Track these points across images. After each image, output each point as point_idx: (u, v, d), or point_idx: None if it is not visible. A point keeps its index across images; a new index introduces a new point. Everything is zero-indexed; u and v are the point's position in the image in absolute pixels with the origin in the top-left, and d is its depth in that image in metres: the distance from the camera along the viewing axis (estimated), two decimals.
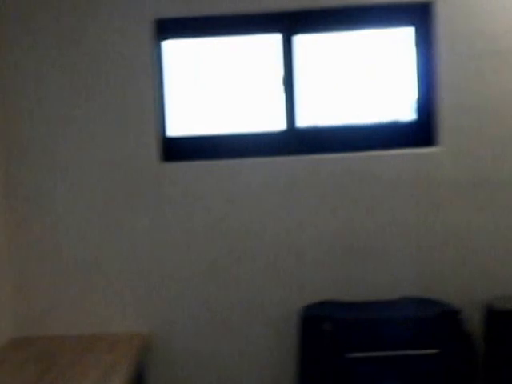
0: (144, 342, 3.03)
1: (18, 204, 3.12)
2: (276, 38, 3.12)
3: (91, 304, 3.14)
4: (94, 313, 3.14)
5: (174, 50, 3.16)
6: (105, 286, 3.13)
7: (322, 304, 2.97)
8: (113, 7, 3.04)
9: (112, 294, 3.13)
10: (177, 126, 3.18)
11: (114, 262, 3.12)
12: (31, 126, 3.09)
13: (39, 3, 3.05)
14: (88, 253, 3.12)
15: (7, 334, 3.10)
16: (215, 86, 3.18)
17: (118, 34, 3.04)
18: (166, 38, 3.13)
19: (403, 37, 3.14)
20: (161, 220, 3.11)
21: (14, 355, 2.90)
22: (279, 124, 3.14)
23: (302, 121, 3.14)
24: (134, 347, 2.92)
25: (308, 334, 2.83)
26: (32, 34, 3.06)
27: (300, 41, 3.12)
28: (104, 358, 2.80)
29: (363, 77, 3.16)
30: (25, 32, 3.06)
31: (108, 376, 2.58)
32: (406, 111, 3.16)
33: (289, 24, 3.10)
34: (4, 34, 3.06)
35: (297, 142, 3.13)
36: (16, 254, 3.14)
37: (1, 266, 3.07)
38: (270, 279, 3.11)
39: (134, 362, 2.76)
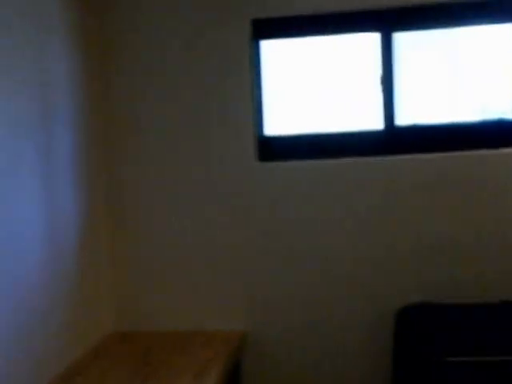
0: (240, 341, 3.05)
1: (120, 205, 3.21)
2: (374, 37, 3.07)
3: (189, 301, 3.18)
4: (191, 310, 3.18)
5: (272, 49, 3.17)
6: (203, 284, 3.17)
7: (421, 306, 2.89)
8: (211, 8, 3.07)
9: (209, 292, 3.17)
10: (274, 126, 3.18)
11: (211, 261, 3.15)
12: (135, 127, 3.18)
13: (145, 10, 3.14)
14: (187, 251, 3.17)
15: (108, 329, 3.19)
16: (313, 85, 3.17)
17: (216, 35, 3.08)
18: (263, 38, 3.14)
19: (507, 33, 3.03)
20: (256, 219, 3.12)
21: (113, 349, 2.97)
22: (377, 123, 3.09)
23: (402, 119, 3.07)
24: (230, 345, 2.94)
25: (405, 335, 2.78)
26: (134, 36, 3.15)
27: (400, 38, 3.06)
28: (200, 354, 2.83)
29: (466, 74, 3.07)
30: (129, 33, 3.15)
31: (204, 372, 2.60)
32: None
33: (388, 22, 3.05)
34: (107, 33, 3.17)
35: (395, 141, 3.06)
36: (118, 252, 3.22)
37: (103, 263, 3.17)
38: (366, 279, 3.06)
39: (229, 359, 2.78)
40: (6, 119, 2.30)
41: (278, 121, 3.19)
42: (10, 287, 2.28)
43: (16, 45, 2.39)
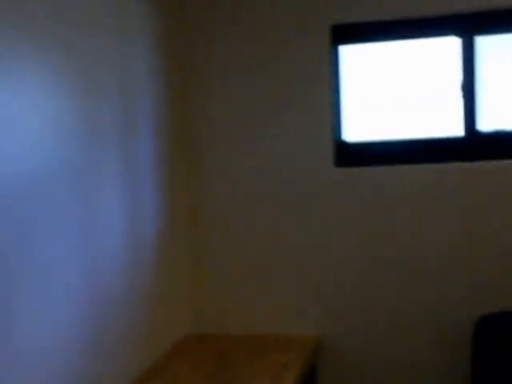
0: (316, 345, 3.05)
1: (197, 208, 3.26)
2: (454, 41, 3.02)
3: (265, 305, 3.21)
4: (268, 314, 3.21)
5: (351, 54, 3.16)
6: (279, 288, 3.19)
7: (501, 314, 2.83)
8: (291, 14, 3.09)
9: (286, 296, 3.18)
10: (352, 131, 3.17)
11: (288, 265, 3.17)
12: (213, 130, 3.23)
13: (225, 13, 3.18)
14: (263, 254, 3.20)
15: (185, 331, 3.24)
16: (392, 90, 3.14)
17: (295, 40, 3.09)
18: (343, 43, 3.14)
19: None
20: (332, 223, 3.12)
21: (190, 351, 3.01)
22: (457, 129, 3.04)
23: (484, 125, 3.01)
24: (307, 349, 2.95)
25: (484, 344, 2.72)
26: (212, 40, 3.20)
27: (481, 42, 3.00)
28: (277, 358, 2.84)
29: None
30: (209, 42, 3.21)
31: (280, 376, 2.61)
32: None
33: (469, 26, 2.99)
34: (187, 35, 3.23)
35: (477, 147, 3.00)
36: (195, 255, 3.27)
37: (181, 266, 3.22)
38: (444, 285, 3.01)
39: (305, 364, 2.79)
40: (90, 125, 2.36)
41: (357, 126, 3.17)
42: (89, 288, 2.33)
43: (100, 53, 2.45)
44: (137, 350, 2.70)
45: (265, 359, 2.84)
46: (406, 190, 3.03)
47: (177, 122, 3.16)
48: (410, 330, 3.06)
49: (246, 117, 3.18)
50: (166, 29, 3.06)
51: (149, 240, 2.85)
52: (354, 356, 3.12)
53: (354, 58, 3.17)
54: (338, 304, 3.13)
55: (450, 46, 3.04)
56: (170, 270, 3.06)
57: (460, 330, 2.98)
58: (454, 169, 2.98)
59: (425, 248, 3.02)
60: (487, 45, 3.01)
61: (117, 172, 2.57)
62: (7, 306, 1.84)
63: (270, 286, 3.20)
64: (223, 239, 3.24)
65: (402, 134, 3.12)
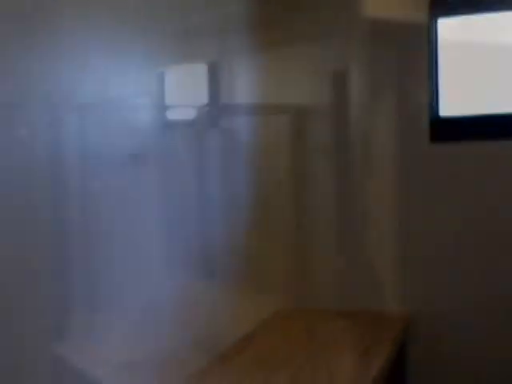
0: (406, 322, 3.04)
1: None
2: None
3: (357, 280, 3.21)
4: (359, 289, 3.21)
5: (448, 27, 3.07)
6: (372, 263, 3.18)
7: None
8: None
9: (379, 271, 3.17)
10: (450, 106, 3.09)
11: (382, 240, 3.15)
12: None
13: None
14: (359, 230, 3.20)
15: (277, 304, 3.29)
16: (491, 64, 3.04)
17: (392, 13, 3.04)
18: (441, 16, 3.05)
19: None
20: (429, 200, 3.07)
21: (282, 324, 3.07)
22: None
23: None
24: (396, 326, 2.95)
25: None
26: None
27: None
28: (368, 333, 2.85)
29: None
30: None
31: (370, 351, 2.62)
32: None
33: None
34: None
35: None
36: (295, 227, 3.31)
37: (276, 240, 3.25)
38: None
39: (395, 340, 2.79)
40: None
41: (454, 101, 3.09)
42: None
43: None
44: (226, 325, 2.76)
45: (356, 334, 2.85)
46: (506, 165, 2.94)
47: None
48: (504, 314, 2.96)
49: None
50: None
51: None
52: (446, 336, 3.07)
53: (451, 31, 3.08)
54: (431, 282, 3.08)
55: None
56: (265, 247, 3.10)
57: None
58: None
59: None
60: None
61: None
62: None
63: (362, 260, 3.20)
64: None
65: (502, 108, 3.01)
